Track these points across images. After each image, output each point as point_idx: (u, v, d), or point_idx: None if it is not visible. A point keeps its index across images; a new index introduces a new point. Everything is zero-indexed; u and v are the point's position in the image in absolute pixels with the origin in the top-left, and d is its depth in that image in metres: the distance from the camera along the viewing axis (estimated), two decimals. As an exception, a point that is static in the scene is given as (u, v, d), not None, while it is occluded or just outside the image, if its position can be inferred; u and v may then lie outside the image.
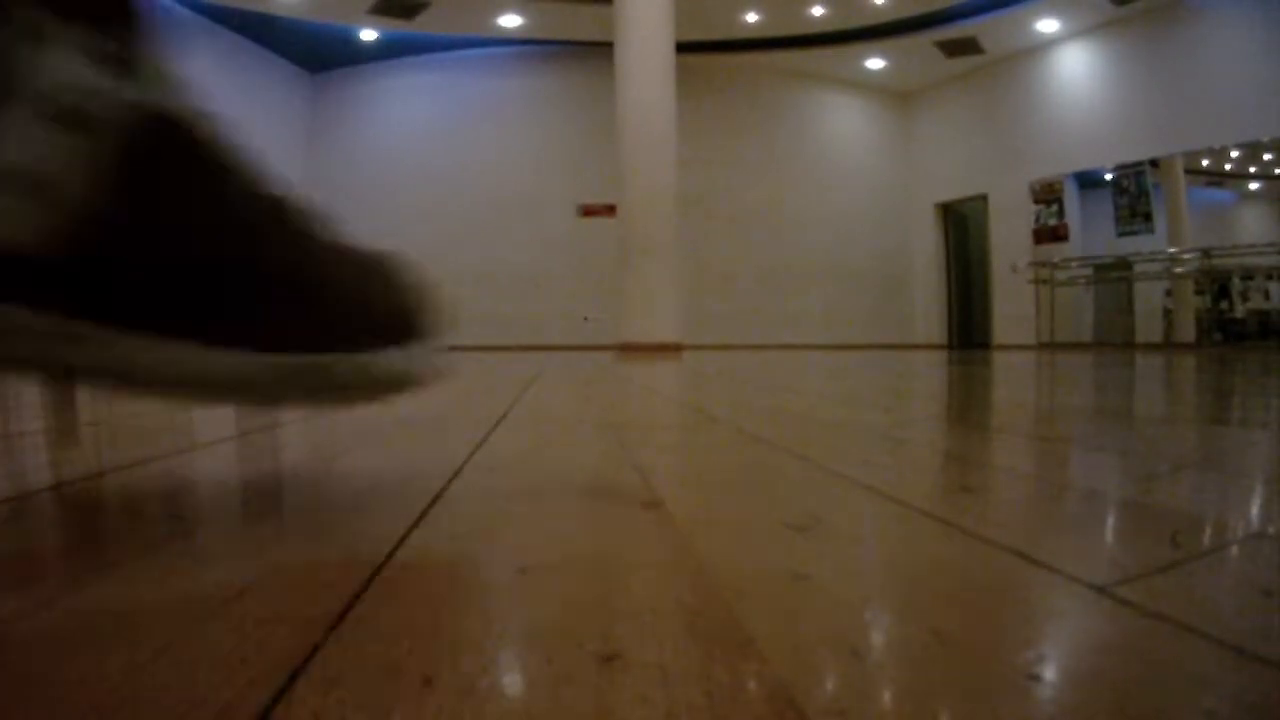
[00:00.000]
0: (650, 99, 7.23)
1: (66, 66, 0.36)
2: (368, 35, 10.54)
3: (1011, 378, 2.76)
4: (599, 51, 8.55)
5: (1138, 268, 9.57)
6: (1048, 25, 10.03)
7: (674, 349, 7.04)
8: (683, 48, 8.00)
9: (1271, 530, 0.50)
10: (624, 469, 0.75)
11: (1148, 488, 0.66)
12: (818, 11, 10.15)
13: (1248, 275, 8.82)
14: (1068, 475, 0.76)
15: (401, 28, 10.22)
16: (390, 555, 0.43)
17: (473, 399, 1.71)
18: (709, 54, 11.06)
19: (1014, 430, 1.16)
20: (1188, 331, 9.26)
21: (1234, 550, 0.46)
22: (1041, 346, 10.08)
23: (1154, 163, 9.35)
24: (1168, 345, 9.19)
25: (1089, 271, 10.14)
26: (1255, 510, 0.58)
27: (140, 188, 0.39)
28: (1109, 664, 0.28)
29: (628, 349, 6.91)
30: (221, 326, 0.42)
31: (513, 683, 0.27)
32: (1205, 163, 9.20)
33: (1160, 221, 9.35)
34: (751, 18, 10.30)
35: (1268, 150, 8.60)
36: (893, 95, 12.48)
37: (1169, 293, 9.56)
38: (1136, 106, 9.47)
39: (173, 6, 8.93)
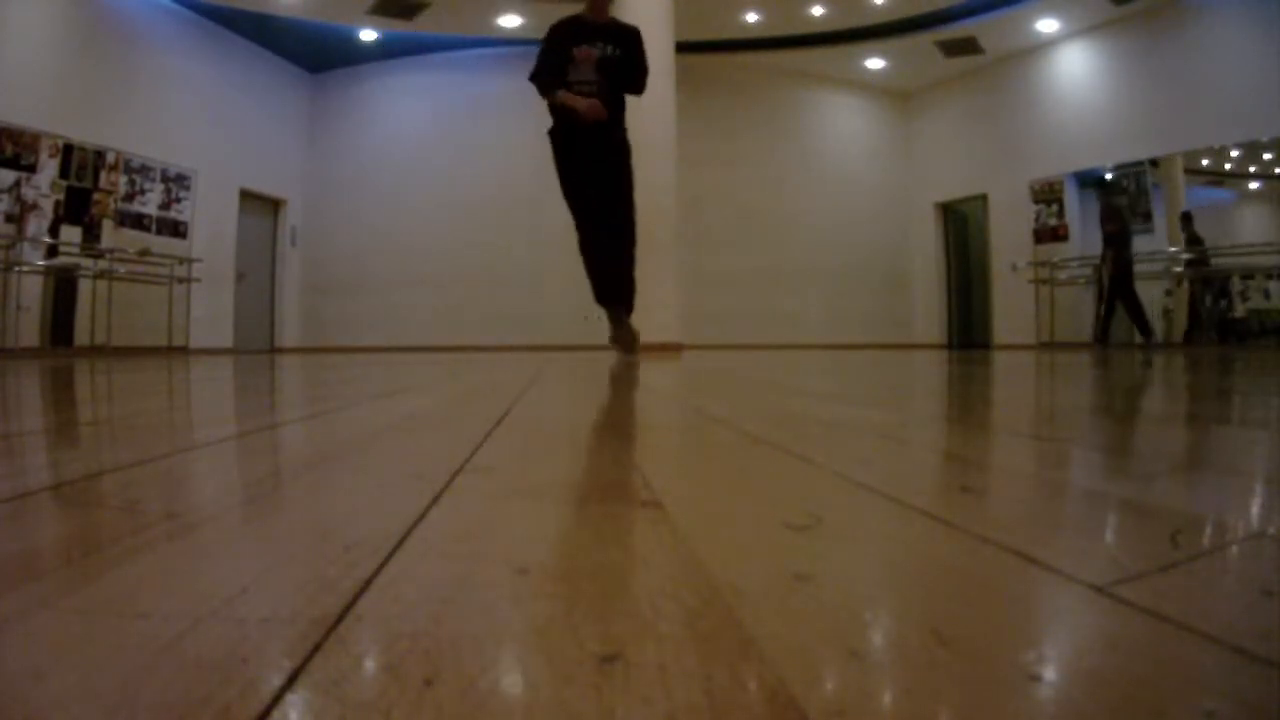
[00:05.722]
0: (650, 98, 7.22)
1: None
2: (367, 35, 10.54)
3: (1011, 377, 2.76)
4: (599, 51, 8.53)
5: (1137, 267, 9.55)
6: (1047, 25, 10.03)
7: (674, 348, 7.04)
8: (683, 48, 7.99)
9: (1271, 530, 0.50)
10: (625, 468, 0.75)
11: (1147, 487, 0.66)
12: (818, 11, 10.14)
13: (1248, 275, 8.81)
14: (1067, 475, 0.76)
15: (401, 28, 10.22)
16: (390, 555, 0.43)
17: (473, 399, 1.70)
18: (709, 54, 11.05)
19: (1013, 430, 1.16)
20: (1188, 331, 9.27)
21: (1234, 550, 0.46)
22: (1041, 346, 10.08)
23: (1154, 162, 9.35)
24: (1168, 344, 9.18)
25: (1089, 271, 10.14)
26: (1254, 510, 0.58)
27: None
28: (1109, 664, 0.28)
29: (628, 349, 6.89)
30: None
31: (513, 683, 0.27)
32: (1205, 162, 9.19)
33: (1160, 221, 9.35)
34: (751, 18, 10.30)
35: (1267, 150, 8.59)
36: (893, 95, 12.49)
37: (1169, 292, 9.56)
38: (1136, 106, 9.47)
39: (173, 6, 8.92)
